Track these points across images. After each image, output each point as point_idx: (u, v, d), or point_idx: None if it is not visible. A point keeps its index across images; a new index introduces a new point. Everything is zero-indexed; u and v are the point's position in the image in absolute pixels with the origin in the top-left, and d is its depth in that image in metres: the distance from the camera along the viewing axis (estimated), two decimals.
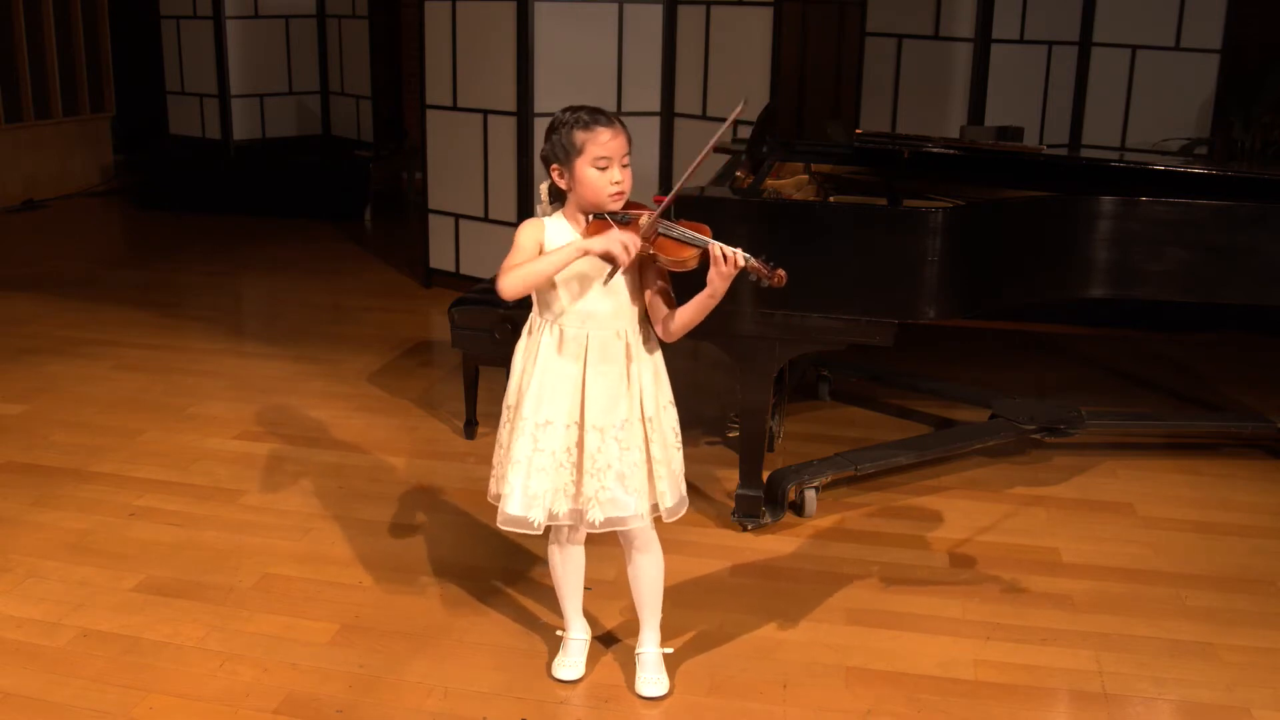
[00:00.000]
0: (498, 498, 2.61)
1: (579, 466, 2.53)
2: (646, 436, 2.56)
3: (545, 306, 2.55)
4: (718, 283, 2.42)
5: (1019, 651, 2.92)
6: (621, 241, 2.36)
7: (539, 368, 2.53)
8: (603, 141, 2.42)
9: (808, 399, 4.70)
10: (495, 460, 2.64)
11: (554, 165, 2.48)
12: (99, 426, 4.30)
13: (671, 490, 2.61)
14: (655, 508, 2.60)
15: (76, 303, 5.97)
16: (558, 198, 2.54)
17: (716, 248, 2.41)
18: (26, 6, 8.32)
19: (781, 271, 2.40)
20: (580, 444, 2.52)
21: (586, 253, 2.39)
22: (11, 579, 3.19)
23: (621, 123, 2.47)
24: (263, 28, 8.93)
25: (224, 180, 8.45)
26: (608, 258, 2.38)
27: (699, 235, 2.45)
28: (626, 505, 2.53)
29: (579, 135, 2.42)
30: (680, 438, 2.64)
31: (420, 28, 6.04)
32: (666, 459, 2.59)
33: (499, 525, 2.57)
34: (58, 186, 8.75)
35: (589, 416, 2.51)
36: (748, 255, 2.41)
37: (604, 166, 2.43)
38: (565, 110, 2.48)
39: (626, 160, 2.46)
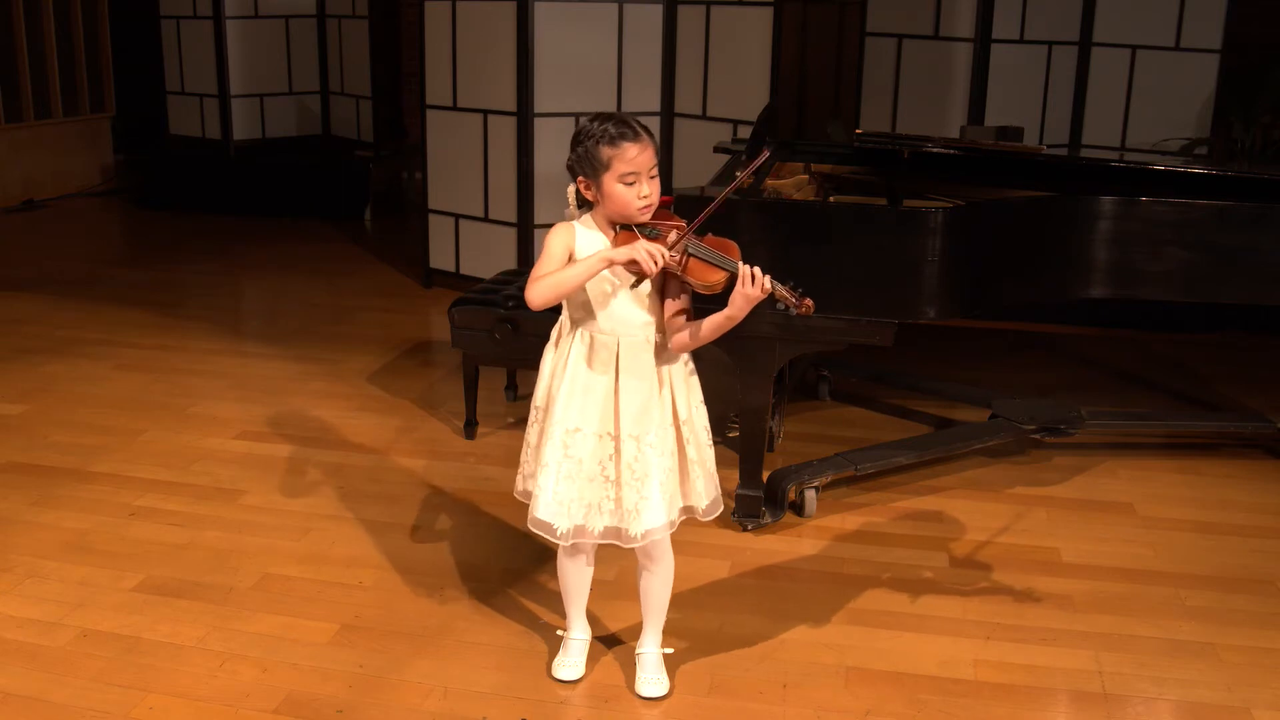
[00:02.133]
0: (525, 494, 2.61)
1: (617, 481, 2.51)
2: (681, 439, 2.55)
3: (575, 311, 2.53)
4: (740, 304, 2.40)
5: (1019, 651, 2.92)
6: (647, 250, 2.34)
7: (569, 373, 2.52)
8: (630, 158, 2.39)
9: (808, 399, 4.70)
10: (523, 457, 2.64)
11: (580, 178, 2.46)
12: (99, 426, 4.30)
13: (708, 489, 2.60)
14: (690, 510, 2.59)
15: (76, 303, 5.97)
16: (585, 202, 2.53)
17: (746, 271, 2.38)
18: (26, 6, 8.32)
19: (810, 301, 2.38)
20: (616, 455, 2.50)
21: (612, 263, 2.39)
22: (11, 579, 3.19)
23: (649, 133, 2.44)
24: (263, 28, 8.93)
25: (224, 180, 8.45)
26: (634, 268, 2.37)
27: (728, 258, 2.43)
28: (661, 514, 2.52)
29: (605, 151, 2.39)
30: (710, 435, 2.64)
31: (420, 28, 6.04)
32: (702, 459, 2.59)
33: (528, 526, 2.57)
34: (58, 186, 8.74)
35: (624, 426, 2.49)
36: (776, 281, 2.39)
37: (631, 182, 2.41)
38: (593, 120, 2.45)
39: (654, 173, 2.45)
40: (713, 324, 2.47)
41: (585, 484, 2.52)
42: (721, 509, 2.65)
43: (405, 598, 3.14)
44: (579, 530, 2.54)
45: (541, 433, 2.56)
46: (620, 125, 2.41)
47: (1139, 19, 6.57)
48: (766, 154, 2.52)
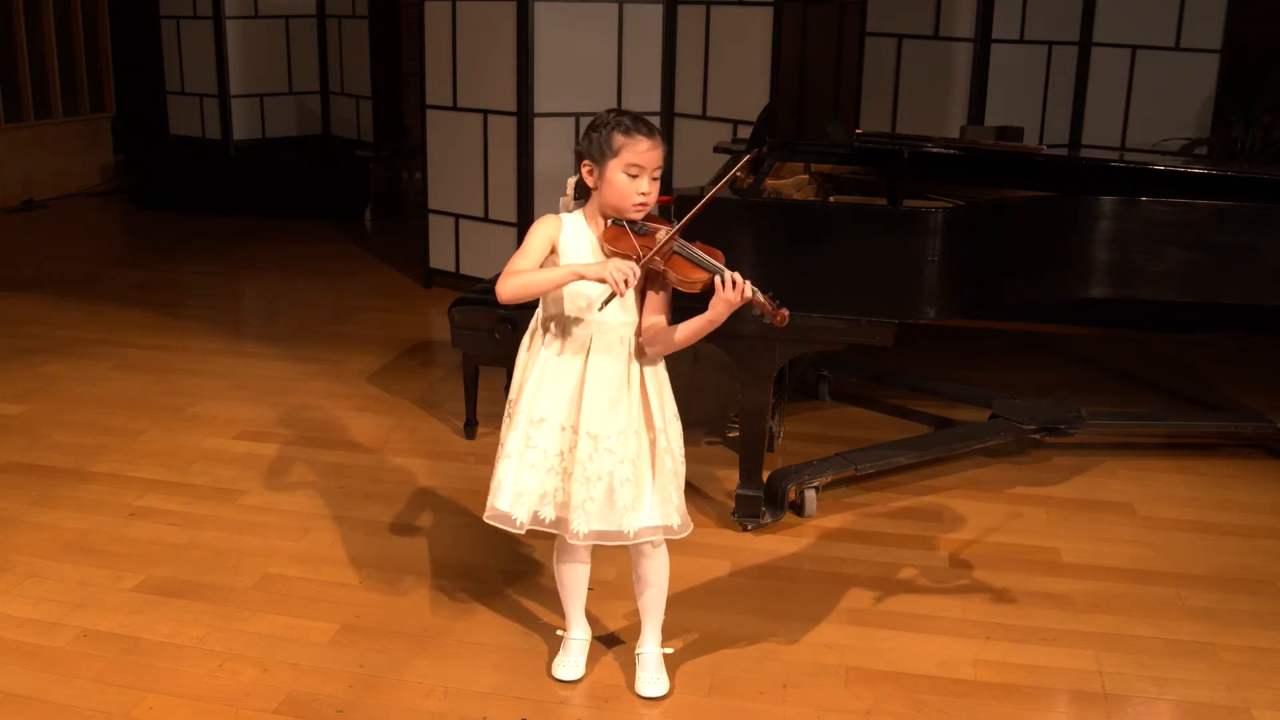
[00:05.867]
0: None
1: (568, 474, 2.51)
2: (655, 450, 2.54)
3: (551, 307, 2.54)
4: (720, 308, 2.42)
5: (1019, 651, 2.92)
6: (619, 269, 2.33)
7: (540, 364, 2.53)
8: (640, 150, 2.42)
9: (808, 399, 4.70)
10: (497, 457, 2.64)
11: (586, 162, 2.48)
12: (99, 426, 4.30)
13: (681, 505, 2.58)
14: (667, 528, 2.55)
15: (76, 303, 5.97)
16: (582, 194, 2.55)
17: (727, 275, 2.40)
18: (26, 6, 8.32)
19: (785, 311, 2.41)
20: (573, 449, 2.51)
21: (582, 277, 2.39)
22: (11, 579, 3.19)
23: (662, 136, 2.48)
24: (263, 28, 8.93)
25: (224, 180, 8.46)
26: (603, 282, 2.38)
27: (712, 260, 2.45)
28: (610, 520, 2.50)
29: (619, 138, 2.43)
30: (683, 451, 2.61)
31: (420, 28, 6.04)
32: (676, 470, 2.57)
33: (484, 518, 2.58)
34: (58, 186, 8.75)
35: (584, 421, 2.49)
36: (755, 288, 2.41)
37: (635, 174, 2.44)
38: (610, 111, 2.49)
39: (657, 174, 2.47)
40: (692, 327, 2.48)
41: (544, 474, 2.53)
42: (690, 530, 2.59)
43: (405, 598, 3.14)
44: (533, 518, 2.54)
45: (509, 425, 2.57)
46: (637, 120, 2.46)
47: (1139, 19, 6.57)
48: (750, 156, 2.54)
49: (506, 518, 2.54)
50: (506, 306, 4.14)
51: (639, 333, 2.54)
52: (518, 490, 2.53)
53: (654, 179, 2.46)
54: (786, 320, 2.41)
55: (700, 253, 2.46)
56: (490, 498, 2.57)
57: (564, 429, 2.52)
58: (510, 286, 2.43)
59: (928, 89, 6.62)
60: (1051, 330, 5.68)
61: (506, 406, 2.62)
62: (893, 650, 2.91)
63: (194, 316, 5.78)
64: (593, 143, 2.46)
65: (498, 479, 2.55)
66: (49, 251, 7.22)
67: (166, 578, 3.21)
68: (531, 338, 2.60)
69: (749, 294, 2.40)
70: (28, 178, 8.50)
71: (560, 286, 2.45)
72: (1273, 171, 4.10)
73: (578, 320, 2.51)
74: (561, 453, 2.52)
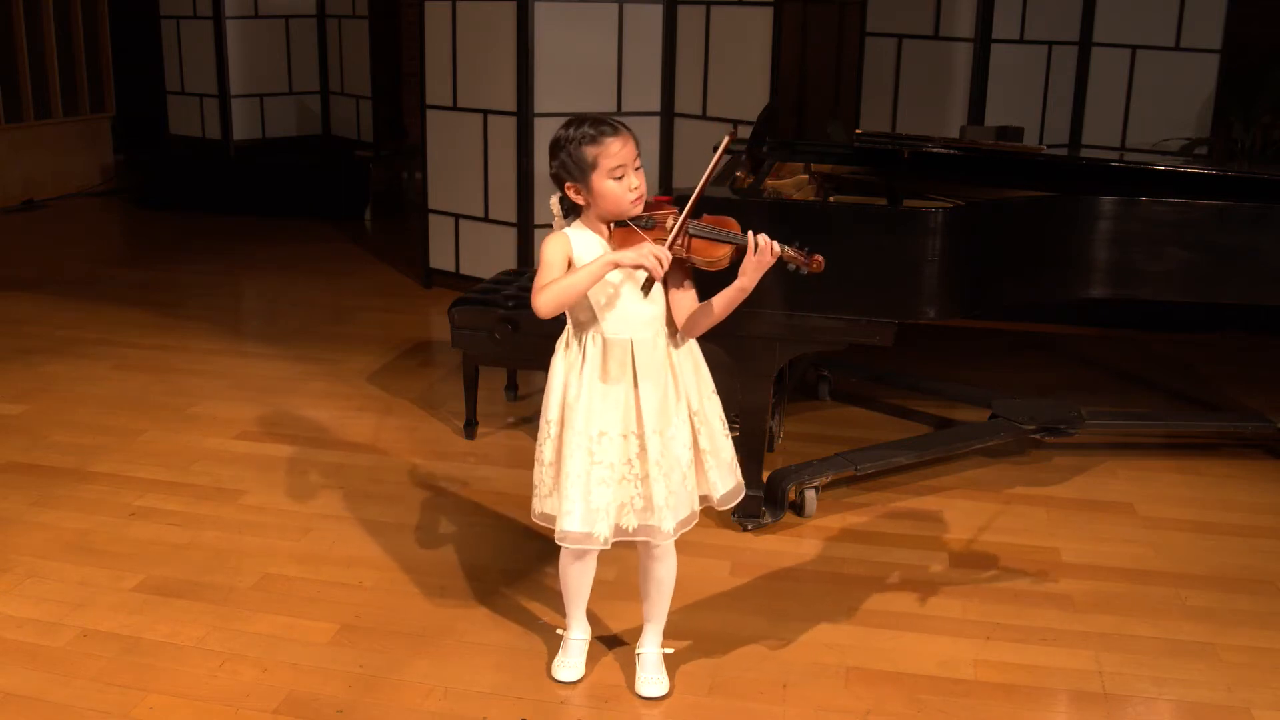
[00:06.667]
0: (545, 517, 2.56)
1: (645, 478, 2.50)
2: (694, 429, 2.55)
3: (581, 315, 2.51)
4: (751, 274, 2.40)
5: (1019, 651, 2.92)
6: (653, 254, 2.33)
7: (585, 379, 2.49)
8: (614, 152, 2.40)
9: (808, 399, 4.70)
10: (537, 478, 2.58)
11: (569, 184, 2.46)
12: (99, 426, 4.30)
13: (723, 479, 2.61)
14: (705, 499, 2.61)
15: (76, 303, 5.97)
16: (571, 210, 2.52)
17: (752, 239, 2.39)
18: (26, 6, 8.32)
19: (819, 256, 2.38)
20: (642, 453, 2.49)
21: (618, 266, 2.38)
22: (11, 579, 3.19)
23: (625, 126, 2.46)
24: (263, 28, 8.94)
25: (224, 180, 8.46)
26: (640, 269, 2.37)
27: (730, 231, 2.43)
28: (688, 504, 2.54)
29: (589, 150, 2.40)
30: (727, 425, 2.64)
31: (420, 28, 6.04)
32: (715, 449, 2.59)
33: (560, 543, 2.54)
34: (58, 186, 8.75)
35: (648, 424, 2.48)
36: (784, 244, 2.39)
37: (620, 175, 2.42)
38: (566, 126, 2.45)
39: (639, 163, 2.45)
40: (725, 299, 2.46)
41: (616, 485, 2.49)
42: (742, 496, 2.66)
43: (405, 598, 3.14)
44: (617, 530, 2.51)
45: (560, 446, 2.51)
46: (597, 124, 2.43)
47: (1139, 19, 6.57)
48: (728, 140, 2.52)
49: (587, 538, 2.49)
50: (507, 306, 4.16)
51: (669, 322, 2.53)
52: (593, 508, 2.48)
53: (637, 169, 2.44)
54: (822, 265, 2.38)
55: (715, 227, 2.43)
56: (560, 523, 2.50)
57: (626, 437, 2.49)
58: (549, 296, 2.38)
59: (928, 89, 6.62)
60: (1051, 330, 5.68)
61: (545, 426, 2.56)
62: (893, 650, 2.91)
63: (194, 316, 5.78)
64: (565, 165, 2.44)
65: (569, 502, 2.48)
66: (49, 251, 7.22)
67: (166, 578, 3.21)
68: (567, 353, 2.55)
69: (778, 250, 2.38)
70: (28, 178, 8.50)
71: (599, 280, 2.41)
72: (1273, 171, 4.10)
73: (613, 323, 2.47)
74: (629, 460, 2.50)
